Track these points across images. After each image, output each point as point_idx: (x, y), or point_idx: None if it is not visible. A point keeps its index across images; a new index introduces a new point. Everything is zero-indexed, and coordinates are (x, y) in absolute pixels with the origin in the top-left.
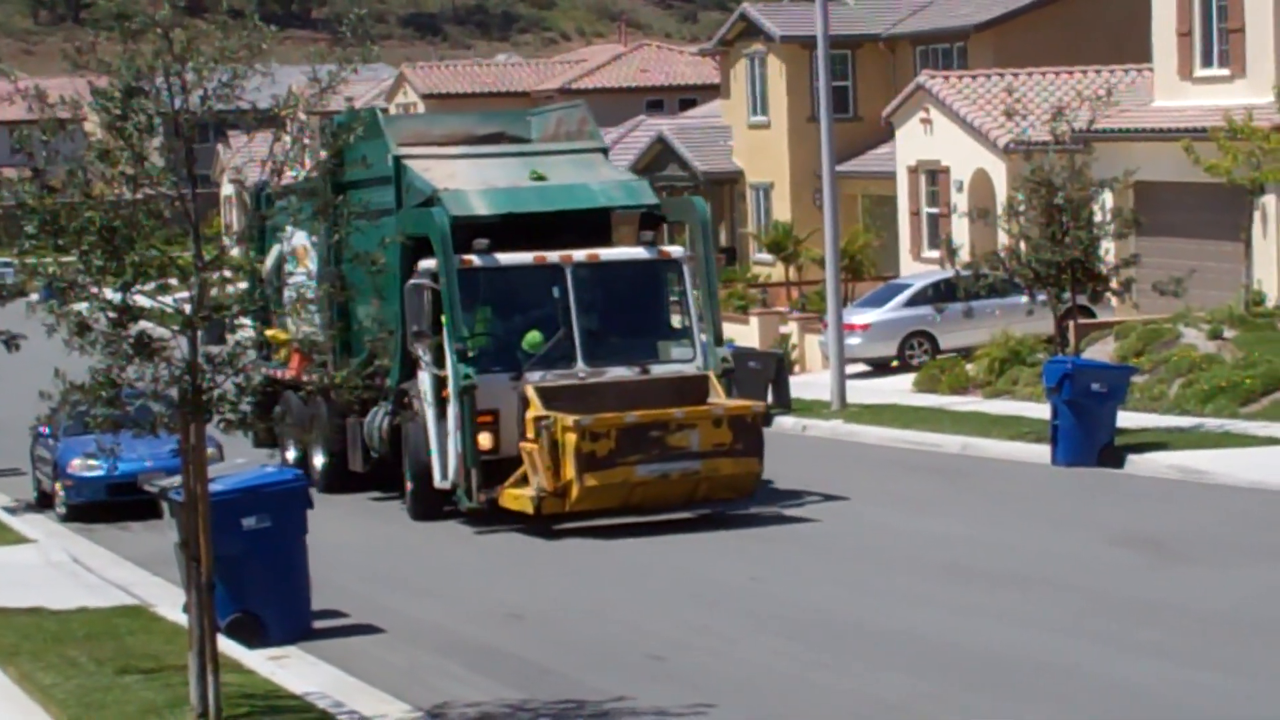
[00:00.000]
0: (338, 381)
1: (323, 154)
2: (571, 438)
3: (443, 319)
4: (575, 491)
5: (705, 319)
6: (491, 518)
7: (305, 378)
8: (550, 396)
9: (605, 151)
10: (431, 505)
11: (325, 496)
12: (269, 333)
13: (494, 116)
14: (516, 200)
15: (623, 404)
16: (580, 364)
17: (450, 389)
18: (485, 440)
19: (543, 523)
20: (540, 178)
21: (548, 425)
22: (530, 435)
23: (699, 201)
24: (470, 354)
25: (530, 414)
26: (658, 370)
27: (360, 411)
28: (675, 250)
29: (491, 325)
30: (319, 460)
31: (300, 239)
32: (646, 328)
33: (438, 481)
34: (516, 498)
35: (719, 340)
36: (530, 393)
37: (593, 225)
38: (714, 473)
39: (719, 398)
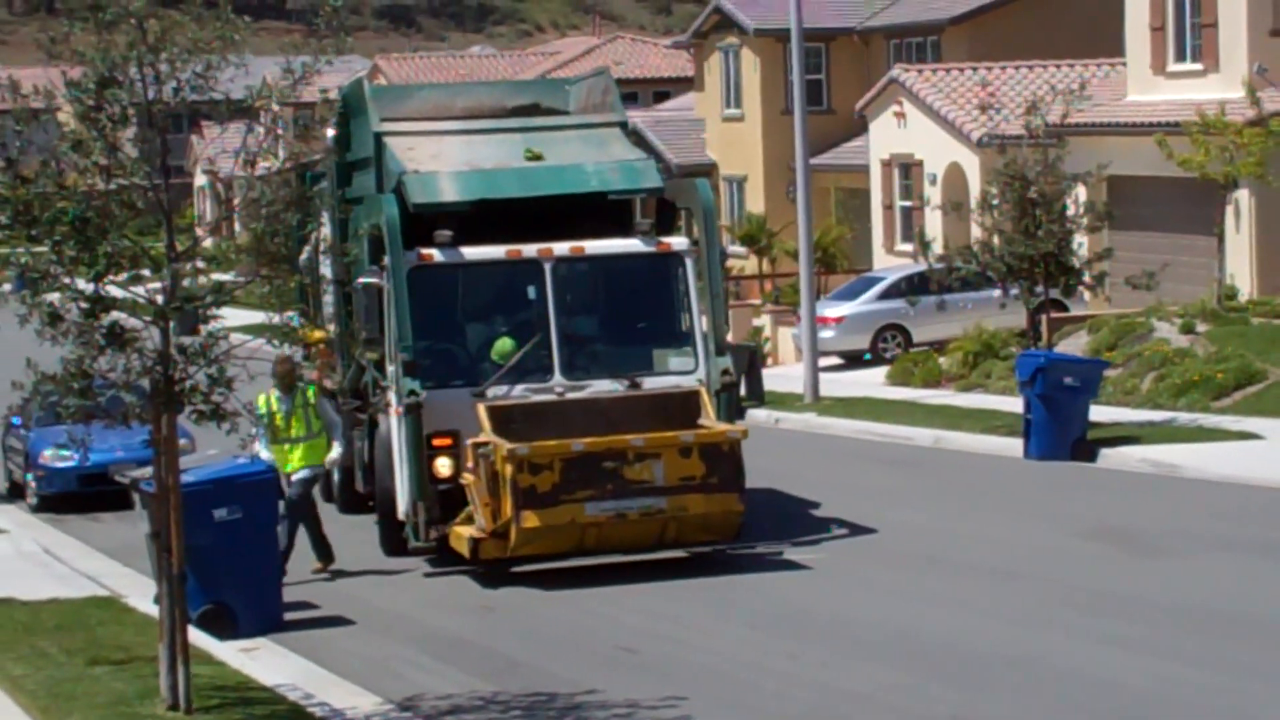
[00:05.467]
0: (333, 388)
1: (305, 141)
2: (509, 469)
3: (388, 323)
4: (513, 533)
5: (707, 322)
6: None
7: (326, 381)
8: (504, 417)
9: (625, 125)
10: (400, 539)
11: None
12: (302, 330)
13: (529, 86)
14: (493, 184)
15: (591, 426)
16: (558, 376)
17: (394, 406)
18: (443, 467)
19: (485, 567)
20: (536, 156)
21: (486, 454)
22: (470, 464)
23: (702, 184)
24: (424, 365)
25: (473, 439)
26: (651, 384)
27: (357, 424)
28: (677, 241)
29: (455, 331)
30: (335, 476)
31: (329, 228)
32: (640, 333)
33: (401, 512)
34: (459, 538)
35: (721, 348)
36: (480, 412)
37: (603, 212)
38: (682, 511)
39: (709, 419)
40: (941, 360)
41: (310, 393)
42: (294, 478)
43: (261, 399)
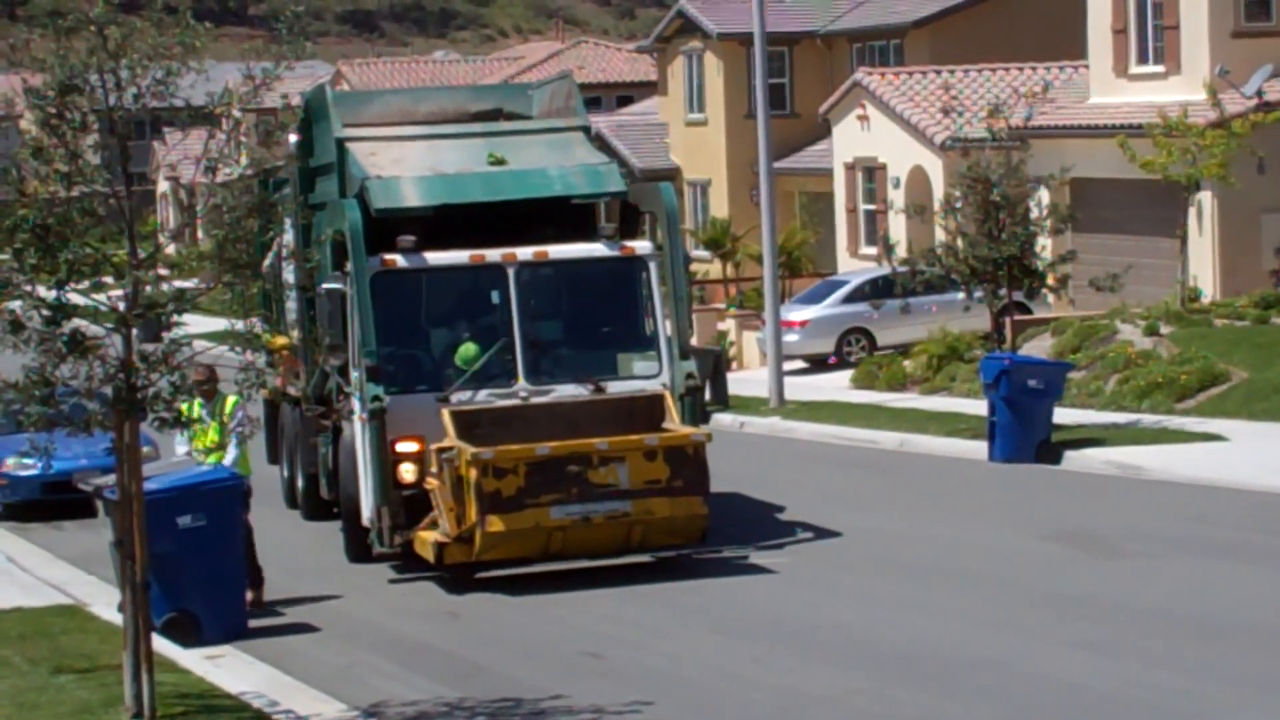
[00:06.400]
0: (297, 395)
1: (267, 147)
2: (473, 474)
3: (351, 329)
4: (477, 538)
5: (671, 326)
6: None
7: (290, 388)
8: (469, 422)
9: (587, 130)
10: (365, 545)
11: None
12: (266, 337)
13: (491, 91)
14: (457, 189)
15: (556, 430)
16: (522, 381)
17: (358, 412)
18: (407, 473)
19: (450, 572)
20: (499, 161)
21: (450, 458)
22: (434, 469)
23: (665, 188)
24: (388, 371)
25: (437, 444)
26: (615, 388)
27: (321, 430)
28: (641, 245)
29: (419, 336)
30: (300, 483)
31: (291, 235)
32: (604, 338)
33: (365, 518)
34: (424, 542)
35: (685, 352)
36: (445, 417)
37: (566, 217)
38: (647, 515)
39: (673, 423)
40: (906, 363)
41: (229, 404)
42: None
43: (190, 404)
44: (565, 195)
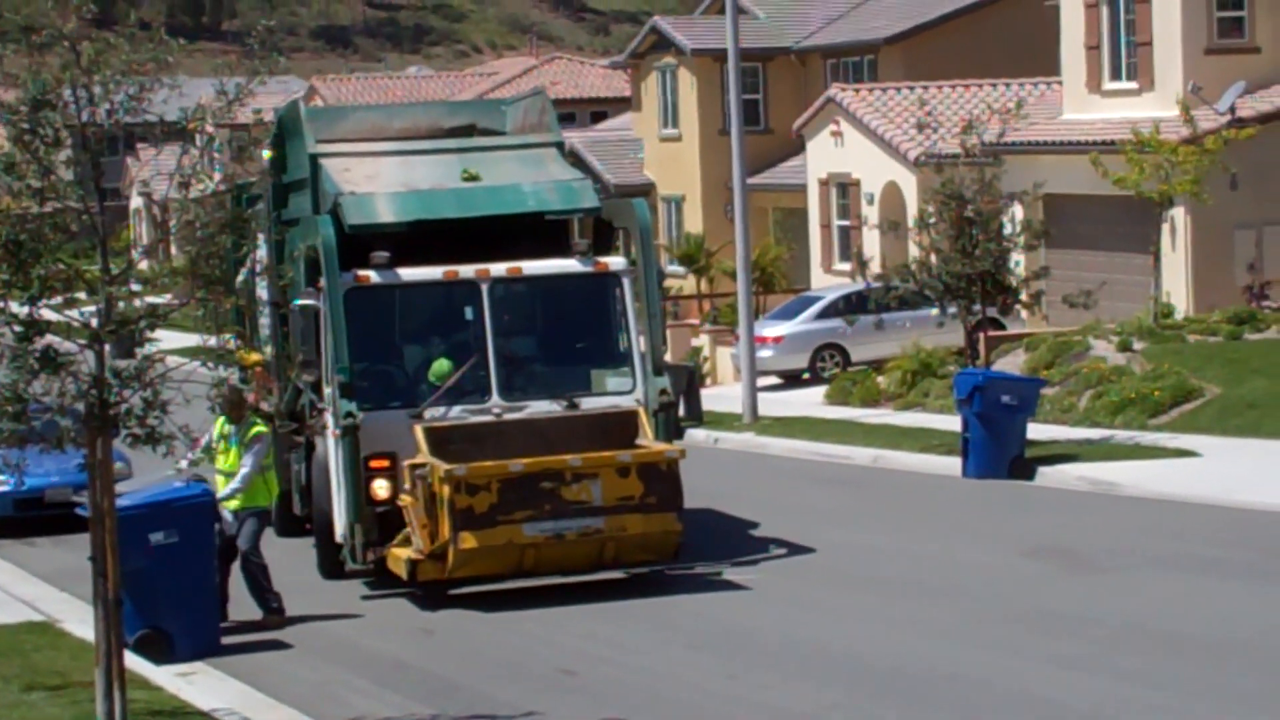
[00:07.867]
0: (269, 411)
1: (241, 162)
2: (446, 490)
3: (324, 345)
4: (450, 555)
5: (645, 342)
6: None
7: (263, 404)
8: (442, 438)
9: (561, 145)
10: (338, 561)
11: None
12: (239, 352)
13: (465, 106)
14: (430, 205)
15: (529, 446)
16: (495, 397)
17: (331, 428)
18: (380, 489)
19: (424, 589)
20: (473, 177)
21: (423, 475)
22: (407, 485)
23: (639, 204)
24: (361, 387)
25: (411, 460)
26: (589, 404)
27: (294, 447)
28: (615, 261)
29: (392, 352)
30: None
31: (264, 250)
32: (578, 354)
33: (338, 534)
34: (397, 559)
35: (659, 368)
36: (418, 434)
37: (540, 232)
38: (621, 531)
39: (647, 439)
40: (880, 379)
41: (252, 433)
42: (240, 518)
43: (220, 421)
44: (539, 211)
